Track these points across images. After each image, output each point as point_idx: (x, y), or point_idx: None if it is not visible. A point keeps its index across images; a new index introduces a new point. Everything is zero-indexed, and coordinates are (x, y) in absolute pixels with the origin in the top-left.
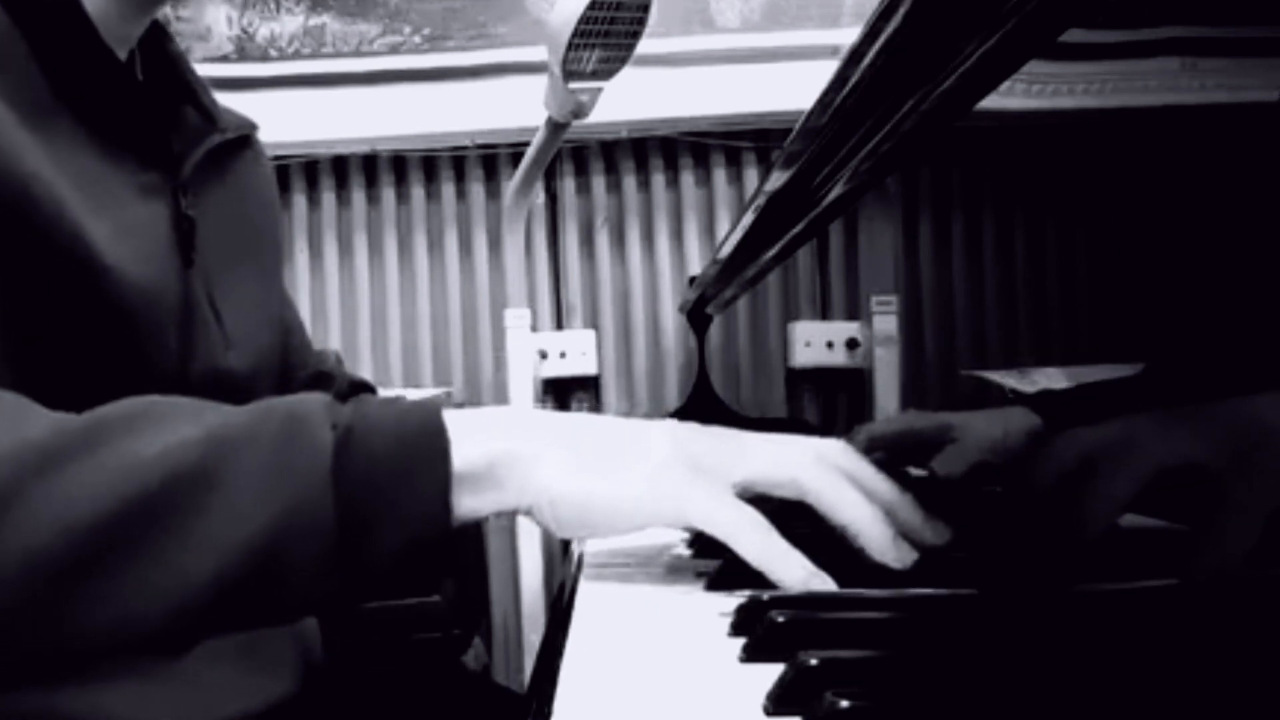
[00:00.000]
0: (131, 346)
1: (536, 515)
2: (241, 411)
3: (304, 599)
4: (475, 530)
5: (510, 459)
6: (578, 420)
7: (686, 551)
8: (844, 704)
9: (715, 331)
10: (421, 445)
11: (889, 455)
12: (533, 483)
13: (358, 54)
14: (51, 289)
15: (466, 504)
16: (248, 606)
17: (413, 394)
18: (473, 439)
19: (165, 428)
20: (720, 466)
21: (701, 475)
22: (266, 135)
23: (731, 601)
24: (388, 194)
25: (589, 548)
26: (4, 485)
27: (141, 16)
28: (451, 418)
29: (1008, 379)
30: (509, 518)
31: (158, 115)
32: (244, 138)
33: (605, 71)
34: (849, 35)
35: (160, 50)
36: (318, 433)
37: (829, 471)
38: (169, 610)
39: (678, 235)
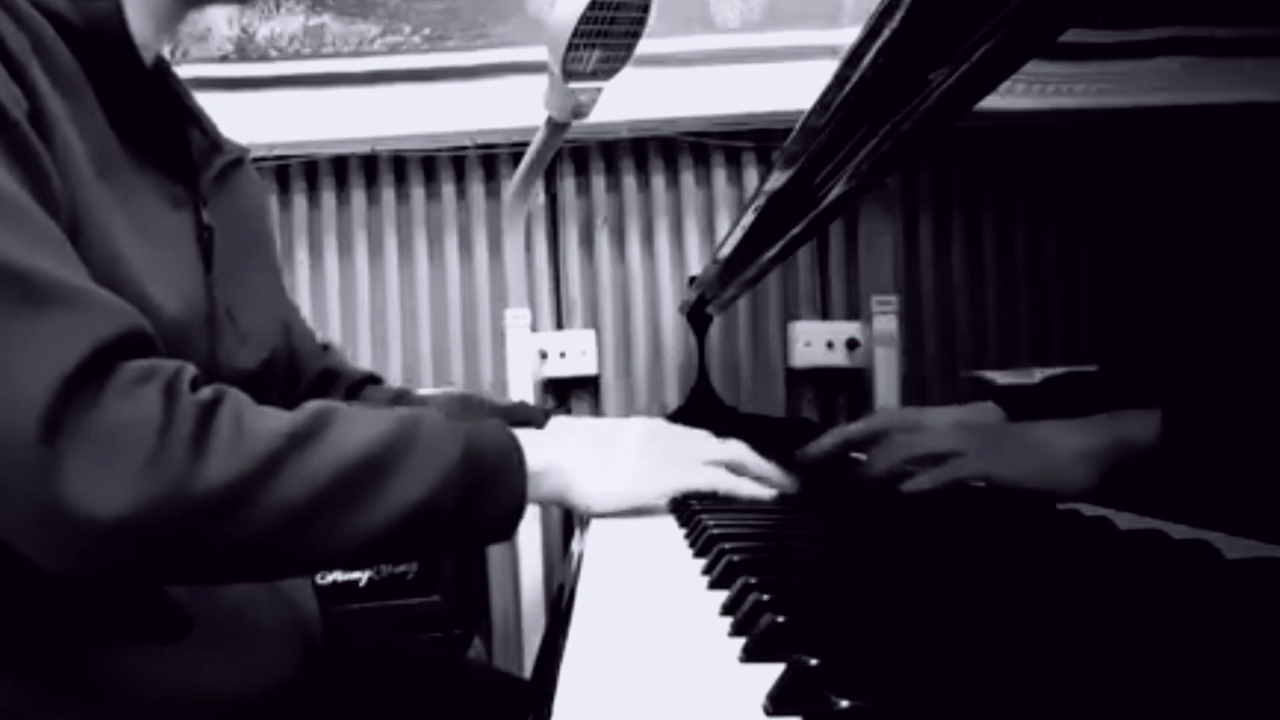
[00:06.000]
0: (170, 348)
1: (569, 500)
2: (397, 418)
3: (443, 541)
4: None
5: (556, 467)
6: (592, 436)
7: (687, 551)
8: (844, 704)
9: (715, 331)
10: (506, 452)
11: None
12: (573, 483)
13: (358, 54)
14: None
15: (533, 491)
16: (413, 542)
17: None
18: (534, 453)
19: (361, 423)
20: (683, 454)
21: (673, 460)
22: (266, 135)
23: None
24: (388, 194)
25: (589, 548)
26: (274, 455)
27: (171, 28)
28: (520, 436)
29: (1007, 379)
30: None
31: (179, 134)
32: (239, 158)
33: (605, 71)
34: (849, 35)
35: (165, 79)
36: (452, 441)
37: (726, 474)
38: (369, 540)
39: (678, 235)
